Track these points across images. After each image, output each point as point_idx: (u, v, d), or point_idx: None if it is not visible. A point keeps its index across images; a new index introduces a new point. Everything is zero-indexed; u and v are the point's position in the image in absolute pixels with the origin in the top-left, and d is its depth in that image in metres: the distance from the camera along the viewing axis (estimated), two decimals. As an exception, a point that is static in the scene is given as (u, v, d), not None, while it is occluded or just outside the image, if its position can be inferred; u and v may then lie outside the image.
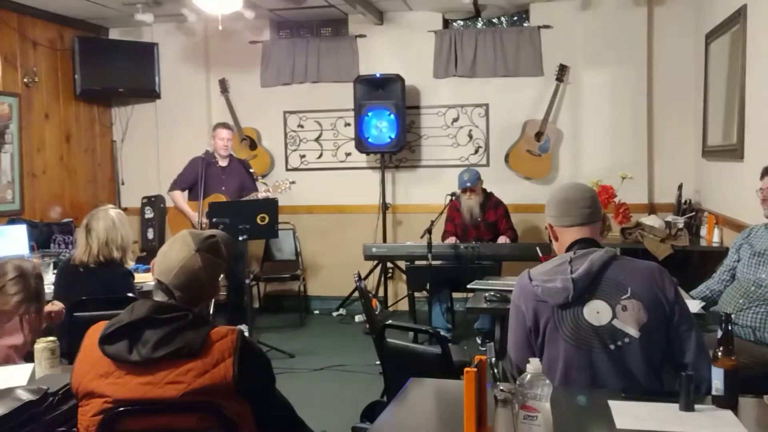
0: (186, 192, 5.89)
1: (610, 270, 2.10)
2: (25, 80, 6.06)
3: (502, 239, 5.48)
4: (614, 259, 2.13)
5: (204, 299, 1.96)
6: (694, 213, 5.55)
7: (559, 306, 2.09)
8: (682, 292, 3.38)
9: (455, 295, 5.76)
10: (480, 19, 6.77)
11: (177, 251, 1.91)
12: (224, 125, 5.95)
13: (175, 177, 5.92)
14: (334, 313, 6.60)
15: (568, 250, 2.20)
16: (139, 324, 1.79)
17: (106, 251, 3.49)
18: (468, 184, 5.51)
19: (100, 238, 3.48)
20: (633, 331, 2.04)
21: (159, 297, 1.90)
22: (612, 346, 2.04)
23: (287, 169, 6.93)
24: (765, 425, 1.84)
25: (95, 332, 1.83)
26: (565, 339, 2.07)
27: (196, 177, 5.75)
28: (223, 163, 5.86)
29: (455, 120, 6.63)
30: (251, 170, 5.94)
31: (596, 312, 2.06)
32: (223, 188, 5.78)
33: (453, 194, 5.64)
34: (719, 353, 1.88)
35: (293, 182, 5.83)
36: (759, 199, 3.41)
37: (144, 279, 4.00)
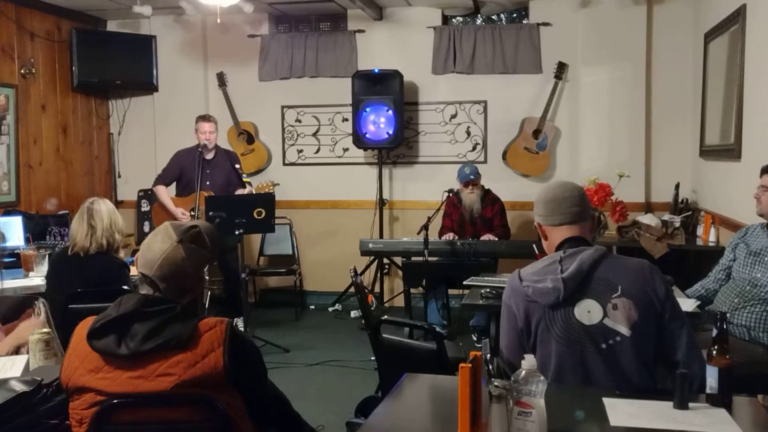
0: (173, 186, 5.78)
1: (601, 268, 2.10)
2: (23, 71, 6.04)
3: (487, 237, 5.47)
4: (604, 258, 2.12)
5: (189, 291, 1.92)
6: (690, 212, 5.55)
7: (549, 306, 2.08)
8: (678, 291, 3.40)
9: (451, 291, 5.77)
10: (479, 15, 6.77)
11: (159, 243, 1.89)
12: (205, 118, 5.69)
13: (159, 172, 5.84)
14: (330, 309, 6.60)
15: (557, 249, 2.19)
16: (127, 318, 1.79)
17: (108, 235, 3.48)
18: (472, 177, 5.51)
19: (104, 221, 3.47)
20: (624, 330, 2.03)
21: (145, 290, 1.89)
22: (603, 345, 2.04)
23: (284, 164, 6.92)
24: (758, 424, 1.84)
25: (83, 328, 1.83)
26: (556, 339, 2.07)
27: (180, 171, 5.68)
28: (208, 156, 5.62)
29: (453, 116, 6.62)
30: (237, 165, 5.66)
31: (587, 311, 2.06)
32: (208, 183, 5.57)
33: (450, 190, 5.63)
34: (714, 352, 1.88)
35: (277, 184, 5.71)
36: (755, 196, 3.41)
37: None
